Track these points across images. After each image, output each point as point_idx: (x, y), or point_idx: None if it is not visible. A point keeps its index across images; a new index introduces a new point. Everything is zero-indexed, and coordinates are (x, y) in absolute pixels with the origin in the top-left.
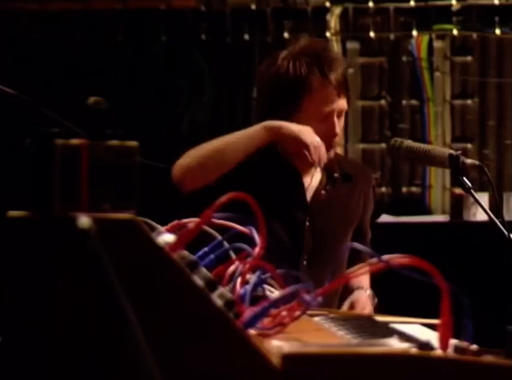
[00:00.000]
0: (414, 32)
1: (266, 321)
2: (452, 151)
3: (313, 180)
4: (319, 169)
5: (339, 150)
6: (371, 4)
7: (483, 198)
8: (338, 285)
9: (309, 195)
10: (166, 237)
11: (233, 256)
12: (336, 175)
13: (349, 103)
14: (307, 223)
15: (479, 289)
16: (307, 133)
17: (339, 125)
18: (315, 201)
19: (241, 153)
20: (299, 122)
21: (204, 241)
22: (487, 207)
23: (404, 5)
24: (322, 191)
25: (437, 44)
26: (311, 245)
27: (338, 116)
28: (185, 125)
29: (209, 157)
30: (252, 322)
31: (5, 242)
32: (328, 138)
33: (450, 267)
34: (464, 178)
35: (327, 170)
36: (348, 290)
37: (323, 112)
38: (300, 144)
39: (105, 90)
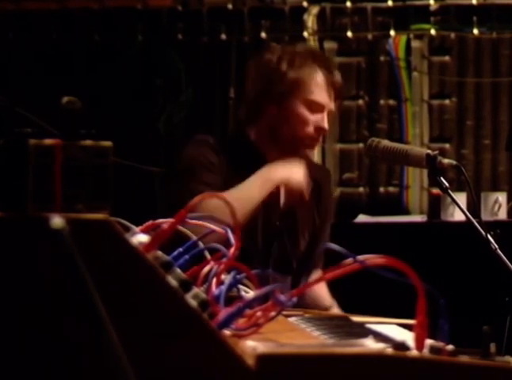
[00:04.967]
0: (392, 32)
1: (241, 321)
2: (429, 151)
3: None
4: None
5: (316, 150)
6: (348, 4)
7: (461, 198)
8: (314, 285)
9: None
10: (141, 238)
11: (208, 256)
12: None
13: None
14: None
15: (456, 289)
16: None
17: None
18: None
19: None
20: (289, 108)
21: (179, 241)
22: (464, 207)
23: (382, 4)
24: None
25: (414, 44)
26: (277, 250)
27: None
28: (162, 125)
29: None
30: (227, 323)
31: None
32: (317, 130)
33: (428, 267)
34: (442, 178)
35: None
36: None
37: (314, 102)
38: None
39: (81, 90)
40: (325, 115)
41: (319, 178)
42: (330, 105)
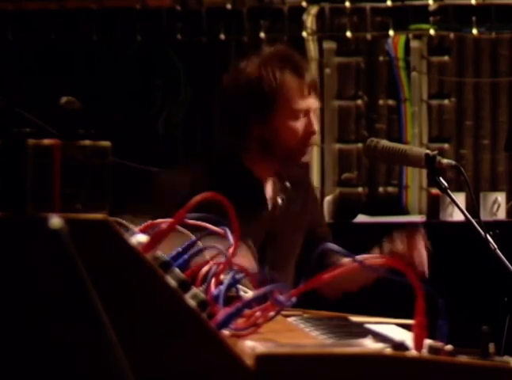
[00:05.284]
0: (391, 32)
1: (240, 321)
2: (428, 151)
3: (268, 188)
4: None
5: (315, 150)
6: (347, 4)
7: (460, 198)
8: (312, 286)
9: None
10: (139, 238)
11: (207, 256)
12: (288, 184)
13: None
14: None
15: (455, 289)
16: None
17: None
18: (274, 209)
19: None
20: (275, 123)
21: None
22: (463, 206)
23: (381, 4)
24: (279, 200)
25: (413, 44)
26: (272, 251)
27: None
28: (161, 125)
29: None
30: (226, 323)
31: None
32: (308, 136)
33: (426, 267)
34: (441, 178)
35: (278, 177)
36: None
37: (300, 110)
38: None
39: (80, 90)
40: (311, 117)
41: (300, 175)
42: (314, 104)
